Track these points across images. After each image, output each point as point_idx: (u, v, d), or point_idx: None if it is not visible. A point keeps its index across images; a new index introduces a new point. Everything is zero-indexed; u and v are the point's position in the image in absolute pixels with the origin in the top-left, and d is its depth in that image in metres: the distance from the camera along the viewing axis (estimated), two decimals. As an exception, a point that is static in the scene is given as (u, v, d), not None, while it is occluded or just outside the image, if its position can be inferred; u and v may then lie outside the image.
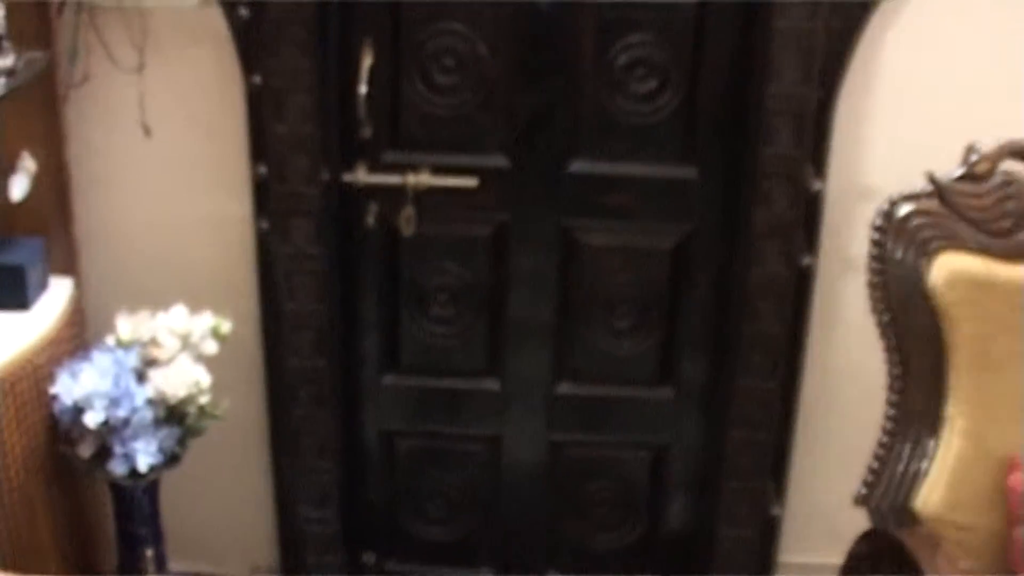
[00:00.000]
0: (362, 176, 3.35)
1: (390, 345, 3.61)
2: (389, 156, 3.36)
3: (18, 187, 3.11)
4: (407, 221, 3.37)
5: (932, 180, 2.81)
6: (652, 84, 3.28)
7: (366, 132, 3.27)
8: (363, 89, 3.20)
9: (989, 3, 3.14)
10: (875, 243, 2.83)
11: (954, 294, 2.78)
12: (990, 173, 2.82)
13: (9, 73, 2.89)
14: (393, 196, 3.36)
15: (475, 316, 3.55)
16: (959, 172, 2.83)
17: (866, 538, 2.93)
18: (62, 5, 3.15)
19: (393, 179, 3.34)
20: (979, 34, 3.17)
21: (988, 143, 2.83)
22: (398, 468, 3.76)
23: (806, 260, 3.28)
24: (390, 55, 3.27)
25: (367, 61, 3.21)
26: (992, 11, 3.14)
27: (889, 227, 2.82)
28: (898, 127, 3.24)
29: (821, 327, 3.42)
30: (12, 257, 3.11)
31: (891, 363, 2.87)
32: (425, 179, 3.34)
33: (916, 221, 2.81)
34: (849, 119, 3.22)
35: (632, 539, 3.81)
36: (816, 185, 3.21)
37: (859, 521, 2.93)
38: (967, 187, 2.83)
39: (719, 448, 3.51)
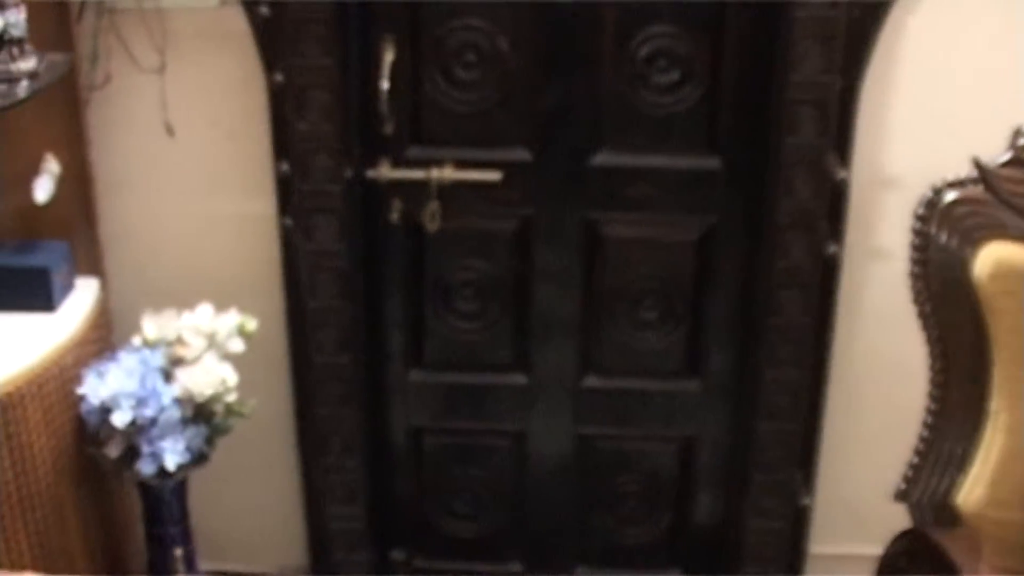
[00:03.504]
0: (385, 172, 3.35)
1: (415, 341, 3.61)
2: (412, 152, 3.36)
3: (42, 190, 3.12)
4: (431, 217, 3.37)
5: (977, 165, 2.70)
6: (674, 76, 3.27)
7: (388, 128, 3.26)
8: (385, 85, 3.19)
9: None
10: (917, 232, 2.73)
11: (999, 285, 2.66)
12: (1040, 158, 2.70)
13: (31, 76, 2.90)
14: (416, 192, 3.36)
15: (500, 311, 3.55)
16: (1005, 157, 2.70)
17: (904, 537, 2.87)
18: (82, 8, 3.16)
19: (416, 175, 3.34)
20: (1003, 19, 3.14)
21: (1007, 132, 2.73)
22: (425, 464, 3.76)
23: (831, 249, 3.26)
24: (411, 51, 3.27)
25: (388, 57, 3.21)
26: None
27: (932, 215, 2.71)
28: (923, 114, 3.23)
29: (847, 316, 3.40)
30: (38, 259, 3.13)
31: (932, 355, 2.78)
32: (448, 174, 3.34)
33: (961, 209, 2.70)
34: (873, 107, 3.20)
35: (660, 532, 3.80)
36: (840, 174, 3.19)
37: (890, 511, 2.89)
38: (1013, 173, 2.70)
39: (747, 439, 3.50)
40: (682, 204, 3.40)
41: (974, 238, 2.69)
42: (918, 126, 3.24)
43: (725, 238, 3.43)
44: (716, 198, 3.39)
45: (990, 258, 2.67)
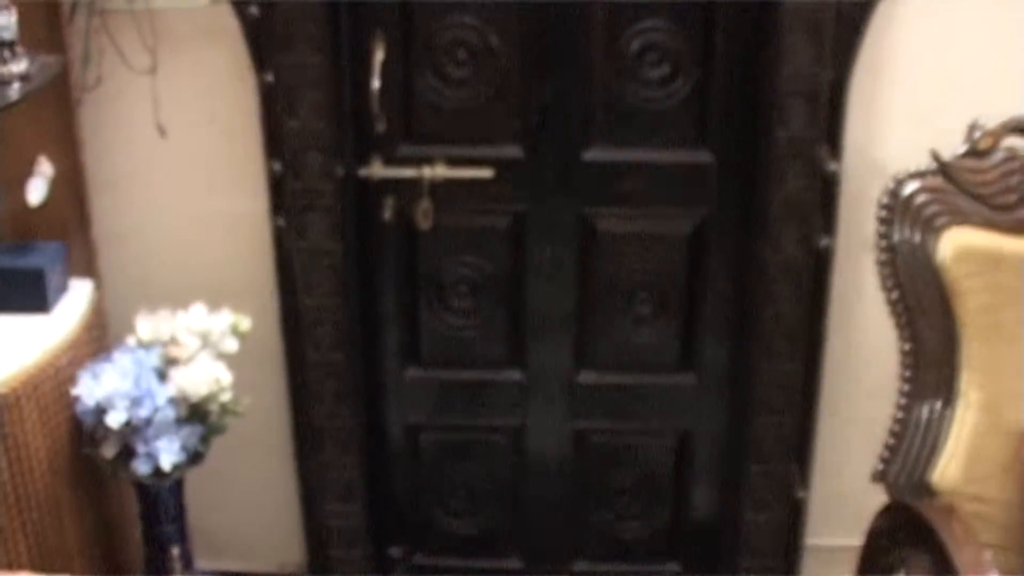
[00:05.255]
0: (377, 170, 3.36)
1: (411, 338, 3.62)
2: (404, 150, 3.37)
3: (36, 192, 3.13)
4: (424, 214, 3.37)
5: (936, 158, 2.84)
6: (665, 70, 3.28)
7: (380, 126, 3.27)
8: (376, 83, 3.20)
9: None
10: (882, 221, 2.87)
11: (962, 268, 2.80)
12: (993, 149, 2.86)
13: (23, 78, 2.90)
14: (409, 189, 3.37)
15: (495, 307, 3.56)
16: (963, 149, 2.86)
17: (885, 513, 2.95)
18: (73, 9, 3.16)
19: (408, 172, 3.35)
20: (991, 11, 3.15)
21: (991, 120, 2.86)
22: (422, 461, 3.77)
23: (824, 241, 3.27)
24: (402, 49, 3.27)
25: (379, 55, 3.21)
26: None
27: (896, 205, 2.86)
28: (913, 105, 3.24)
29: (841, 307, 3.41)
30: (32, 261, 3.13)
31: (902, 339, 2.90)
32: (441, 172, 3.35)
33: (922, 198, 2.84)
34: (863, 98, 3.21)
35: (658, 526, 3.81)
36: (831, 166, 3.20)
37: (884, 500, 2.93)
38: (971, 163, 2.86)
39: (743, 432, 3.51)
40: (674, 198, 3.41)
41: (936, 225, 2.84)
42: (909, 116, 3.24)
43: (718, 231, 3.44)
44: (708, 192, 3.40)
45: (952, 243, 2.82)
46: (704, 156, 3.36)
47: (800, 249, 3.26)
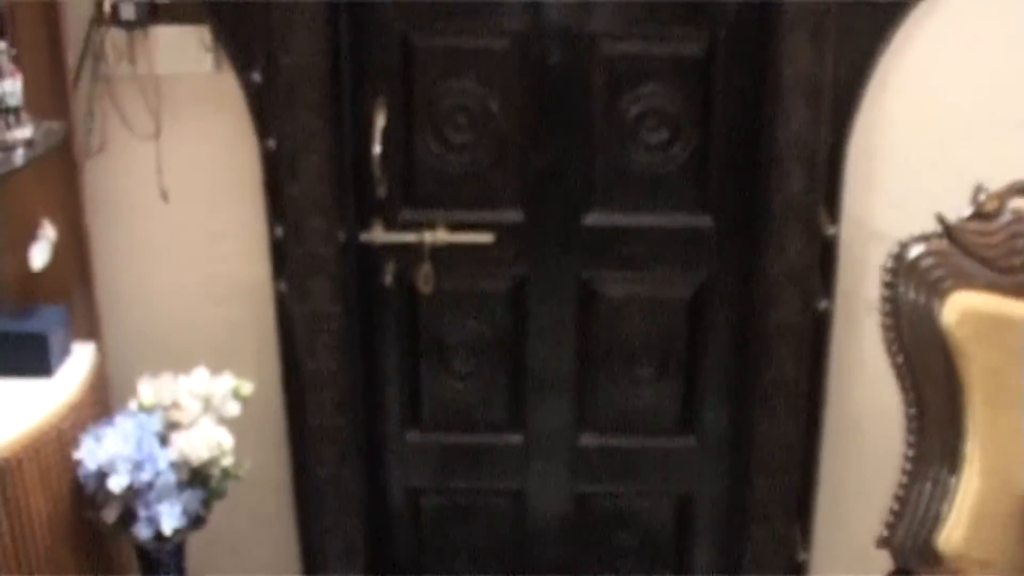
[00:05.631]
0: (379, 235, 3.38)
1: (412, 401, 3.62)
2: (405, 214, 3.39)
3: (39, 255, 3.14)
4: (425, 278, 3.39)
5: (941, 221, 2.84)
6: (664, 134, 3.31)
7: (381, 191, 3.30)
8: (377, 149, 3.23)
9: (997, 44, 3.17)
10: (887, 285, 2.86)
11: (967, 331, 2.79)
12: (998, 212, 2.86)
13: (28, 144, 2.93)
14: (410, 254, 3.39)
15: (496, 370, 3.56)
16: (968, 212, 2.86)
17: (891, 578, 2.93)
18: (78, 75, 3.19)
19: (409, 237, 3.37)
20: (987, 74, 3.19)
21: (996, 182, 2.86)
22: (423, 524, 3.76)
23: (823, 304, 3.29)
24: (403, 114, 3.30)
25: (380, 121, 3.24)
26: (1000, 52, 3.17)
27: (900, 269, 2.85)
28: (910, 167, 3.26)
29: (840, 369, 3.42)
30: (35, 325, 3.14)
31: (907, 403, 2.88)
32: (441, 236, 3.37)
33: (927, 262, 2.84)
34: (861, 161, 3.24)
35: (660, 588, 3.81)
36: (830, 229, 3.22)
37: (887, 562, 2.92)
38: (976, 226, 2.86)
39: (744, 494, 3.51)
40: (674, 261, 3.43)
41: (941, 288, 2.83)
42: (906, 179, 3.27)
43: (718, 294, 3.46)
44: (708, 255, 3.42)
45: (957, 306, 2.81)
46: (704, 220, 3.39)
47: (799, 312, 3.28)
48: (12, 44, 2.94)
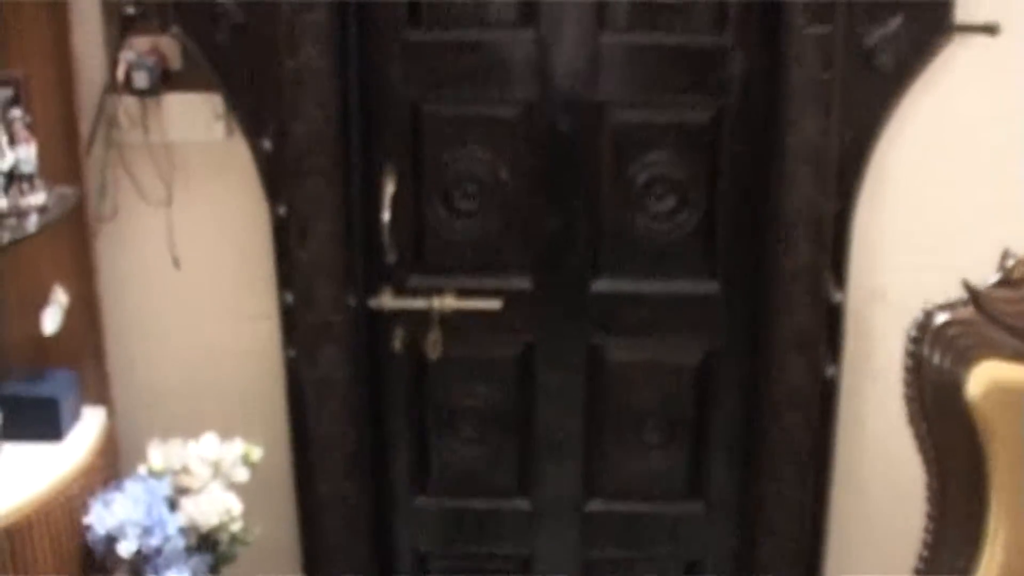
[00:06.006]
0: (388, 301, 3.40)
1: (420, 467, 3.62)
2: (414, 280, 3.41)
3: (51, 320, 3.16)
4: (433, 345, 3.41)
5: (968, 287, 2.74)
6: (671, 202, 3.33)
7: (391, 257, 3.31)
8: (386, 215, 3.25)
9: (1003, 109, 3.20)
10: (910, 354, 2.76)
11: (993, 403, 2.69)
12: (1027, 278, 2.76)
13: (41, 210, 2.96)
14: (419, 320, 3.40)
15: (504, 436, 3.57)
16: (995, 278, 2.75)
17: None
18: (91, 142, 3.22)
19: (418, 303, 3.39)
20: (991, 141, 3.21)
21: (1014, 248, 2.77)
22: (432, 590, 3.76)
23: (830, 370, 3.30)
24: (412, 181, 3.33)
25: (390, 188, 3.27)
26: (1006, 117, 3.20)
27: (925, 337, 2.75)
28: (916, 233, 3.28)
29: (848, 434, 3.42)
30: (46, 389, 3.16)
31: (929, 475, 2.79)
32: (450, 302, 3.38)
33: (952, 330, 2.73)
34: (867, 228, 3.25)
35: (670, 655, 3.79)
36: (837, 296, 3.23)
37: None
38: (1003, 293, 2.74)
39: (752, 560, 3.51)
40: (682, 328, 3.45)
41: (967, 358, 2.72)
42: (912, 246, 3.28)
43: (725, 360, 3.47)
44: (716, 321, 3.43)
45: (983, 377, 2.70)
46: (711, 286, 3.40)
47: (807, 378, 3.29)
48: (27, 111, 2.98)
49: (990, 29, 3.09)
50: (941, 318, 2.75)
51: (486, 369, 3.51)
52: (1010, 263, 2.74)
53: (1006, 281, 2.75)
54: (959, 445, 2.75)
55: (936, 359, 2.73)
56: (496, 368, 3.51)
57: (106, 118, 3.23)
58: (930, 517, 2.82)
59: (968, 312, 2.74)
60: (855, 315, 3.30)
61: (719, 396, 3.51)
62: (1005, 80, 3.17)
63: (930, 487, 2.81)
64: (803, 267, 3.20)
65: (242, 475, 3.14)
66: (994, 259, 2.77)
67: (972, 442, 2.73)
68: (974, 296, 2.74)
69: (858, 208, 3.21)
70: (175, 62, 3.21)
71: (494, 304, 3.39)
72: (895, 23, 3.08)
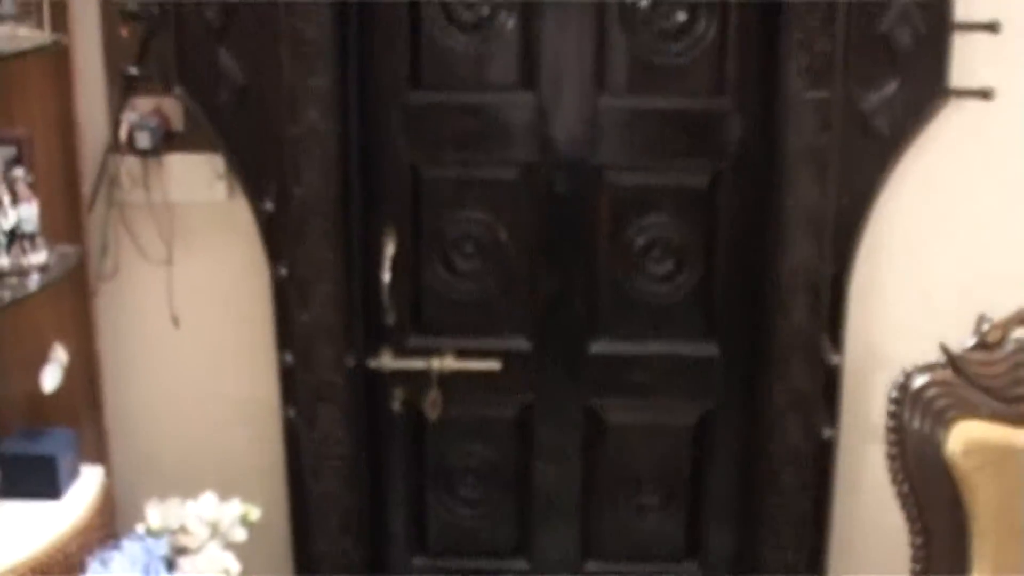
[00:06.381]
0: (387, 362, 3.41)
1: (418, 527, 3.62)
2: (413, 341, 3.42)
3: (50, 379, 3.16)
4: (432, 405, 3.42)
5: (945, 351, 2.85)
6: (669, 264, 3.35)
7: (390, 318, 3.33)
8: (386, 276, 3.27)
9: (997, 173, 3.23)
10: (892, 415, 2.86)
11: (972, 462, 2.78)
12: (1002, 342, 2.87)
13: (42, 269, 2.98)
14: (418, 381, 3.42)
15: (502, 496, 3.57)
16: (971, 342, 2.87)
17: None
18: (93, 201, 3.24)
19: (417, 364, 3.40)
20: (987, 203, 3.25)
21: (999, 312, 2.87)
22: (429, 651, 3.75)
23: (827, 432, 3.30)
24: (412, 243, 3.35)
25: (389, 249, 3.29)
26: (1001, 180, 3.23)
27: (905, 398, 2.85)
28: (913, 295, 3.30)
29: (845, 495, 3.42)
30: (44, 447, 3.16)
31: (913, 533, 2.87)
32: (449, 363, 3.40)
33: (931, 392, 2.84)
34: (864, 290, 3.27)
35: None
36: (834, 358, 3.25)
37: None
38: (980, 356, 2.87)
39: (749, 622, 3.50)
40: (680, 389, 3.46)
41: (945, 418, 2.83)
42: (909, 309, 3.30)
43: (723, 422, 3.48)
44: (713, 383, 3.44)
45: (962, 436, 2.81)
46: (709, 348, 3.42)
47: (804, 440, 3.30)
48: (30, 170, 3.00)
49: (984, 94, 3.12)
50: (920, 380, 2.87)
51: (484, 429, 3.51)
52: (985, 327, 2.87)
53: (982, 344, 2.88)
54: (941, 503, 2.84)
55: (916, 420, 2.85)
56: (494, 428, 3.52)
57: (108, 177, 3.26)
58: (915, 573, 2.88)
59: (946, 374, 2.86)
60: (853, 376, 3.31)
61: (716, 457, 3.51)
62: (1000, 143, 3.20)
63: (914, 544, 2.89)
64: (800, 329, 3.21)
65: (240, 535, 3.13)
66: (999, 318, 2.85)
67: (954, 500, 2.82)
68: (951, 359, 2.86)
69: (855, 270, 3.23)
70: (177, 123, 3.24)
71: (493, 365, 3.40)
72: (891, 88, 3.12)
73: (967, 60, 3.11)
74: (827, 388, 3.28)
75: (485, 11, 3.22)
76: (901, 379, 2.87)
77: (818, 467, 3.34)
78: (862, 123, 3.13)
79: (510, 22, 3.23)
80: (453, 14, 3.22)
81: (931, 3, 3.06)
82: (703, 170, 3.30)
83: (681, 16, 3.21)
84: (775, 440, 3.31)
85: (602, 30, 3.23)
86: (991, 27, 3.08)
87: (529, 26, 3.23)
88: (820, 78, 3.05)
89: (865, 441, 3.35)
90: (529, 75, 3.25)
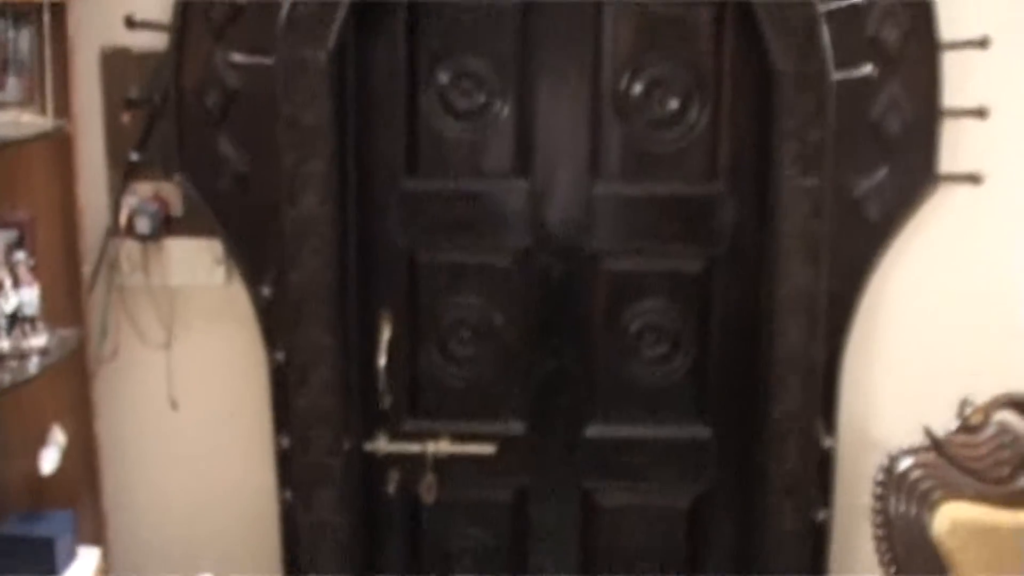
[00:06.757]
0: (383, 445, 3.43)
1: (414, 611, 3.62)
2: (409, 425, 3.44)
3: (49, 461, 3.17)
4: (428, 488, 3.43)
5: (929, 434, 2.91)
6: (663, 348, 3.38)
7: (386, 402, 3.35)
8: (382, 361, 3.30)
9: (986, 257, 3.27)
10: (878, 497, 2.92)
11: (958, 542, 2.83)
12: (984, 424, 2.93)
13: (42, 352, 3.00)
14: (413, 464, 3.43)
15: (498, 578, 3.58)
16: (955, 425, 2.93)
17: None
18: (93, 285, 3.27)
19: (413, 447, 3.42)
20: (977, 286, 3.28)
21: (982, 396, 2.95)
22: None
23: (821, 515, 3.31)
24: (408, 327, 3.38)
25: (386, 334, 3.32)
26: (990, 265, 3.27)
27: (890, 481, 2.91)
28: (905, 378, 3.32)
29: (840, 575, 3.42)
30: (42, 529, 3.16)
31: None
32: (445, 447, 3.42)
33: (916, 474, 2.90)
34: (856, 373, 3.30)
35: None
36: (827, 441, 3.26)
37: None
38: (963, 438, 2.93)
39: None
40: (674, 472, 3.47)
41: (931, 500, 2.89)
42: (900, 392, 3.32)
43: (717, 504, 3.49)
44: (707, 466, 3.46)
45: (948, 517, 2.87)
46: (702, 431, 3.44)
47: (797, 522, 3.30)
48: (31, 253, 3.03)
49: (973, 178, 3.17)
50: (905, 463, 2.94)
51: (480, 512, 3.52)
52: (968, 411, 2.95)
53: (965, 427, 2.95)
54: (928, 584, 2.86)
55: (902, 502, 2.91)
56: (490, 511, 3.52)
57: (108, 261, 3.30)
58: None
59: (930, 457, 2.93)
60: (846, 458, 3.33)
61: (710, 539, 3.52)
62: (989, 227, 3.25)
63: (902, 624, 2.91)
64: (793, 412, 3.23)
65: (236, 618, 3.14)
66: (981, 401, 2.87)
67: (940, 581, 2.85)
68: (935, 442, 2.93)
69: (847, 353, 3.25)
70: (177, 208, 3.27)
71: (488, 449, 3.42)
72: (881, 174, 3.16)
73: (956, 145, 3.16)
74: (820, 470, 3.29)
75: (481, 99, 3.27)
76: (886, 462, 2.93)
77: (812, 549, 3.34)
78: (853, 209, 3.18)
79: (505, 110, 3.28)
80: (449, 102, 3.28)
81: (920, 90, 3.11)
82: (696, 255, 3.34)
83: (674, 104, 3.26)
84: (769, 522, 3.31)
85: (596, 117, 3.29)
86: (979, 113, 3.12)
87: (524, 114, 3.28)
88: (812, 165, 3.09)
89: (858, 523, 3.35)
90: (524, 162, 3.30)
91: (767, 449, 3.27)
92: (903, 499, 2.89)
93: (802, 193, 3.11)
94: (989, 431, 2.92)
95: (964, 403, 2.92)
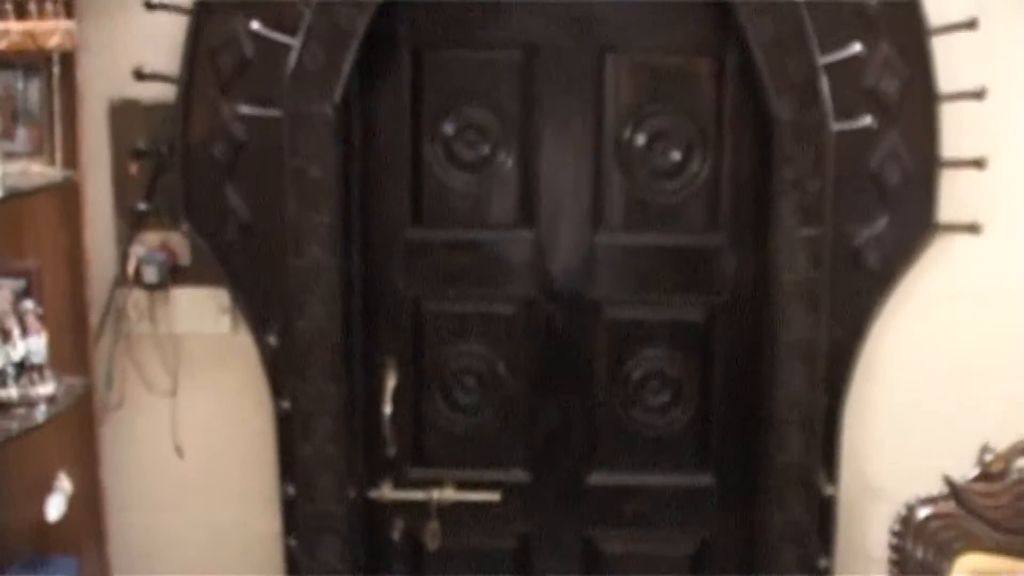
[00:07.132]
0: (387, 493, 3.44)
1: (418, 658, 3.62)
2: (413, 473, 3.46)
3: (54, 508, 3.17)
4: (432, 536, 3.44)
5: (948, 483, 2.84)
6: (665, 396, 3.40)
7: (391, 450, 3.36)
8: (387, 409, 3.32)
9: (990, 303, 3.29)
10: (894, 548, 2.85)
11: None
12: (1005, 472, 2.85)
13: (50, 400, 3.01)
14: (417, 511, 3.44)
15: (502, 626, 3.58)
16: (974, 473, 2.86)
17: None
18: (100, 333, 3.29)
19: (417, 495, 3.43)
20: (979, 334, 3.30)
21: (1001, 443, 2.87)
22: None
23: (823, 563, 3.31)
24: (413, 376, 3.41)
25: (391, 383, 3.34)
26: (994, 311, 3.29)
27: (908, 531, 2.84)
28: (907, 426, 3.34)
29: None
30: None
31: None
32: (449, 494, 3.43)
33: (934, 524, 2.83)
34: (858, 421, 3.31)
35: None
36: (828, 489, 3.28)
37: None
38: (983, 487, 2.85)
39: None
40: (676, 520, 3.49)
41: (949, 551, 2.82)
42: (903, 439, 3.34)
43: (719, 552, 3.50)
44: (709, 514, 3.47)
45: (966, 568, 2.80)
46: (705, 479, 3.46)
47: (799, 570, 3.30)
48: (39, 302, 3.04)
49: (972, 228, 3.19)
50: (923, 512, 2.85)
51: (484, 560, 3.53)
52: (988, 458, 2.86)
53: (985, 475, 2.86)
54: (946, 636, 2.80)
55: (920, 552, 2.83)
56: (494, 559, 3.53)
57: (115, 310, 3.32)
58: None
59: (949, 506, 2.84)
60: (847, 507, 3.34)
61: (713, 587, 3.53)
62: (989, 275, 3.27)
63: None
64: (795, 460, 3.24)
65: (239, 665, 3.14)
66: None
67: (957, 633, 2.78)
68: (955, 491, 2.85)
69: (848, 401, 3.27)
70: (184, 257, 3.30)
71: (492, 496, 3.44)
72: (881, 224, 3.19)
73: (955, 195, 3.19)
74: (822, 518, 3.30)
75: (485, 150, 3.30)
76: (904, 511, 2.87)
77: (814, 597, 3.35)
78: (853, 258, 3.20)
79: (509, 161, 3.31)
80: (454, 153, 3.31)
81: (919, 141, 3.14)
82: (698, 305, 3.37)
83: (676, 155, 3.29)
84: (771, 571, 3.31)
85: (599, 168, 3.32)
86: (978, 163, 3.15)
87: (528, 165, 3.31)
88: (812, 215, 3.11)
89: (859, 572, 3.36)
90: (527, 212, 3.33)
91: (769, 497, 3.28)
92: (920, 549, 2.83)
93: (802, 243, 3.13)
94: (1009, 479, 2.86)
95: (984, 449, 2.86)
